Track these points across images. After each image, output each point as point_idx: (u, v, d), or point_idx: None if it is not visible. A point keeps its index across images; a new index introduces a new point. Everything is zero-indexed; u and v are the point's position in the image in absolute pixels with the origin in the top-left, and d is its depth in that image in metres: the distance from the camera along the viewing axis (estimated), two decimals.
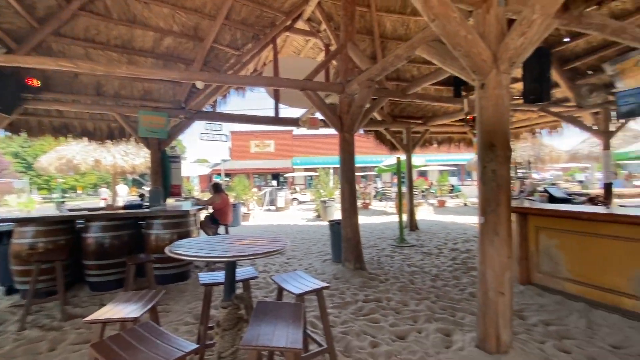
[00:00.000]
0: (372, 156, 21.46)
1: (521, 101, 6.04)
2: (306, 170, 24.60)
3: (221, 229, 5.98)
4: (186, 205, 5.24)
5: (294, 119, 6.52)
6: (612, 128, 6.16)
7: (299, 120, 6.38)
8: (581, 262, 3.16)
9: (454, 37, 2.34)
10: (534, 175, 17.82)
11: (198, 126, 6.48)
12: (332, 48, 6.09)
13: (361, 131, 8.39)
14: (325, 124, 6.05)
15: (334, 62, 6.08)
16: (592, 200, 6.03)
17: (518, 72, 5.39)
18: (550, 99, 5.51)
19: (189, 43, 5.50)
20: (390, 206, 14.36)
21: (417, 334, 2.80)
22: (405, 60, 3.67)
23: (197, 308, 3.46)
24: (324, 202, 11.26)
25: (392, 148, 8.91)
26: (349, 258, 4.79)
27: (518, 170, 7.15)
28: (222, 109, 7.18)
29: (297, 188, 23.09)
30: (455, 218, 10.56)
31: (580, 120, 6.56)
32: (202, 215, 6.25)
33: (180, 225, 4.43)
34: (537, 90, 4.94)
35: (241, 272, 2.57)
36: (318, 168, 14.63)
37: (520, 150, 10.15)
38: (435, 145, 9.34)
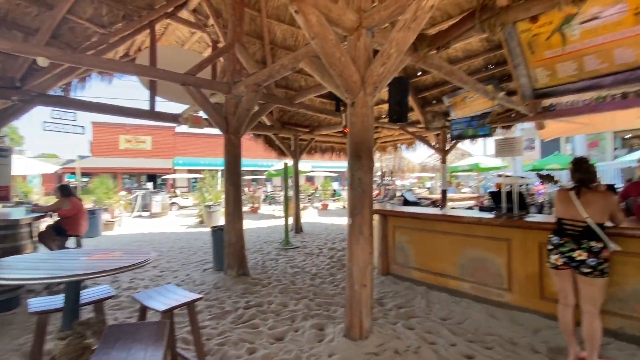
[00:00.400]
0: (264, 160, 21.48)
1: (387, 120, 7.13)
2: (190, 171, 22.63)
3: (71, 242, 4.89)
4: (17, 213, 4.08)
5: (174, 115, 5.92)
6: (447, 147, 7.93)
7: (180, 117, 5.83)
8: (423, 253, 3.93)
9: (330, 56, 2.59)
10: (397, 182, 21.24)
11: (44, 113, 5.15)
12: (221, 46, 5.83)
13: (251, 134, 8.31)
14: (210, 124, 5.72)
15: (222, 60, 5.84)
16: (433, 203, 7.60)
17: (386, 95, 6.36)
18: (408, 120, 6.67)
19: (31, 7, 4.33)
20: (279, 210, 14.60)
21: (294, 333, 2.92)
22: (290, 70, 3.83)
23: (29, 343, 2.71)
24: (209, 206, 10.58)
25: (281, 153, 9.13)
26: (232, 265, 4.63)
27: (384, 178, 8.44)
28: (79, 94, 5.93)
29: (179, 191, 20.98)
30: (335, 220, 11.55)
31: (427, 139, 8.19)
32: (44, 224, 4.97)
33: (4, 238, 3.41)
34: (398, 112, 5.89)
35: (91, 293, 2.16)
36: (204, 170, 13.65)
37: (386, 161, 12.00)
38: (319, 153, 10.02)
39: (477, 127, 6.66)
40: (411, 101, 7.35)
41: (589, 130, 8.67)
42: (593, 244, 2.25)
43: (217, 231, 5.04)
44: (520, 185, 6.84)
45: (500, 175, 5.59)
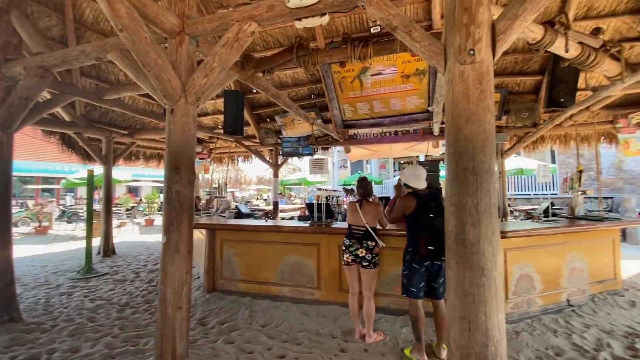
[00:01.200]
0: (66, 164, 16.63)
1: (223, 131, 7.05)
2: None
3: None
4: None
5: None
6: (280, 162, 8.61)
7: None
8: (249, 264, 4.05)
9: (144, 56, 2.33)
10: (237, 194, 21.20)
11: None
12: None
13: (39, 131, 6.29)
14: None
15: None
16: (267, 214, 7.99)
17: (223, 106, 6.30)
18: (243, 134, 6.80)
19: None
20: (82, 229, 11.59)
21: None
22: (94, 59, 3.19)
23: None
24: None
25: (87, 157, 7.37)
26: None
27: (220, 189, 8.26)
28: None
29: None
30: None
31: (262, 154, 8.63)
32: None
33: None
34: (234, 125, 5.94)
35: None
36: None
37: (223, 172, 11.81)
38: (143, 160, 8.73)
39: (303, 147, 7.57)
40: (247, 116, 7.57)
41: (378, 156, 11.49)
42: (370, 243, 2.95)
43: None
44: (332, 197, 8.25)
45: (318, 189, 6.55)
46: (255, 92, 7.36)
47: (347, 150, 8.01)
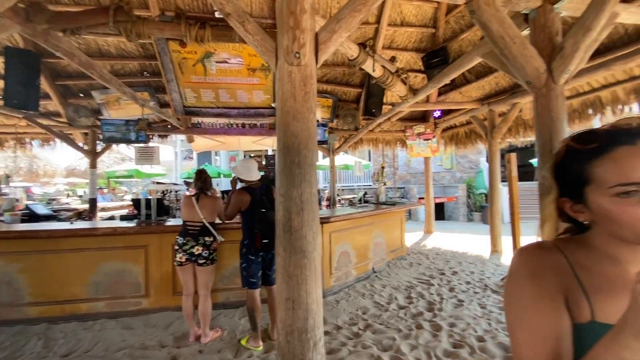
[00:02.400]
0: None
1: (2, 103, 5.08)
2: None
3: None
4: None
5: None
6: (99, 149, 6.96)
7: None
8: (43, 282, 3.09)
9: None
10: (36, 190, 15.90)
11: None
12: None
13: None
14: None
15: None
16: (80, 214, 6.35)
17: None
18: (39, 110, 5.14)
19: None
20: None
21: None
22: None
23: None
24: None
25: None
26: None
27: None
28: None
29: None
30: None
31: (72, 137, 6.78)
32: None
33: None
34: (24, 96, 4.50)
35: None
36: None
37: (5, 160, 8.54)
38: None
39: (135, 132, 6.41)
40: (47, 86, 5.77)
41: (226, 148, 11.16)
42: (207, 239, 2.81)
43: None
44: (171, 191, 7.44)
45: (154, 182, 5.73)
46: (58, 57, 5.68)
47: (190, 140, 7.36)
